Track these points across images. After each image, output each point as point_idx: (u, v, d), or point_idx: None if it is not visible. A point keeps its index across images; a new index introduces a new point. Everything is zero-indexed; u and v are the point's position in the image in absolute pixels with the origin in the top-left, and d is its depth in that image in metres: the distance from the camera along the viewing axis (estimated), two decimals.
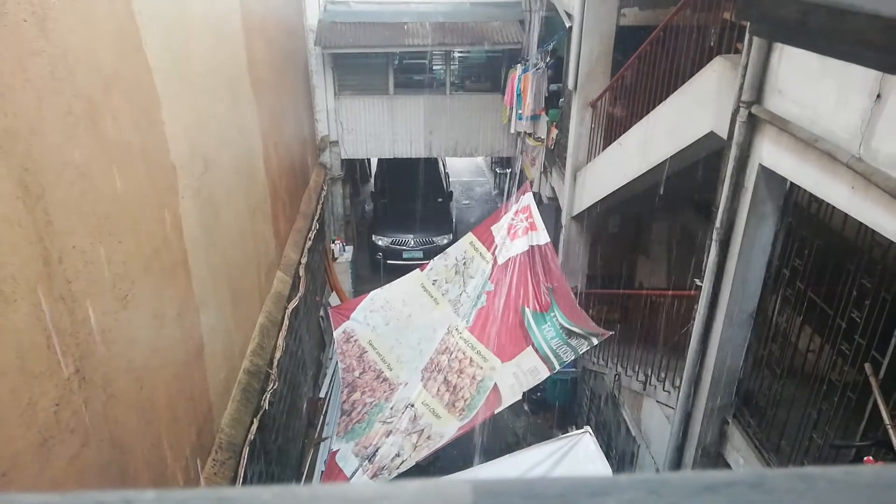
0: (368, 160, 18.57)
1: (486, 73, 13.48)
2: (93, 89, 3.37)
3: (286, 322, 7.19)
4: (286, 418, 7.22)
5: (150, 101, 4.13)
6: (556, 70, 10.50)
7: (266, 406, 6.06)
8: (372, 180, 18.24)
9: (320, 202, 11.06)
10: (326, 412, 8.79)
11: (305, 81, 11.76)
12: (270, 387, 6.24)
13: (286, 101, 9.30)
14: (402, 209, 14.87)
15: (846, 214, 3.64)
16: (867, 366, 3.78)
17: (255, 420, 5.67)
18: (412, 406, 7.05)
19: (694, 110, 5.70)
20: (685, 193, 7.78)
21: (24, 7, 2.78)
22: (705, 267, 5.11)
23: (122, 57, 3.73)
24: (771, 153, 4.27)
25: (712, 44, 5.63)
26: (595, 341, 6.91)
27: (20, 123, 2.75)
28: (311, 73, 12.15)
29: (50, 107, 2.97)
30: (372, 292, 8.19)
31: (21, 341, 2.70)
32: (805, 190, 4.06)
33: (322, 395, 9.36)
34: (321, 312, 10.52)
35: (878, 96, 3.27)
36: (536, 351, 6.93)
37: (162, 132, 4.27)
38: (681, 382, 5.67)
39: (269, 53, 8.04)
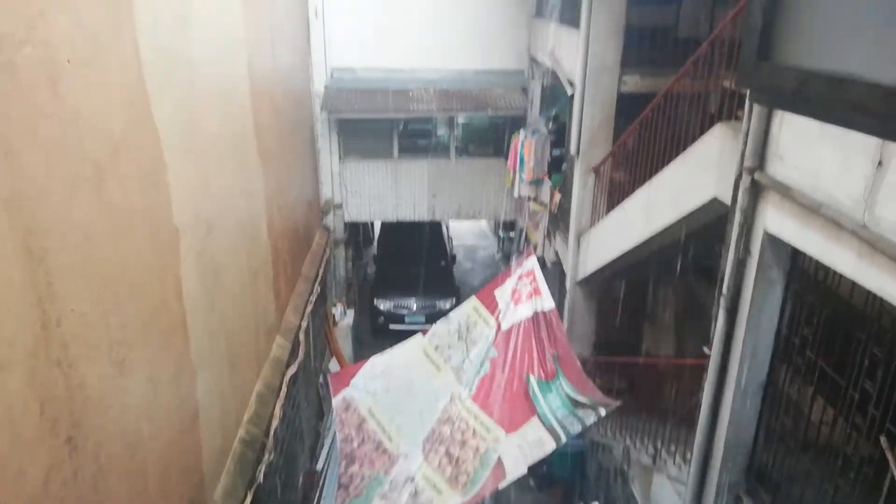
0: (372, 223, 18.70)
1: (490, 139, 13.70)
2: (101, 153, 3.40)
3: (284, 389, 7.05)
4: (282, 492, 6.98)
5: (157, 165, 4.16)
6: (559, 135, 10.67)
7: (261, 479, 5.85)
8: (375, 243, 18.30)
9: (322, 265, 11.06)
10: (323, 486, 8.51)
11: (311, 145, 11.97)
12: (266, 458, 6.05)
13: (291, 165, 9.42)
14: (404, 272, 14.83)
15: (854, 282, 3.59)
16: (883, 439, 3.65)
17: (248, 493, 5.47)
18: (412, 480, 6.80)
19: (696, 176, 5.74)
20: (691, 259, 7.75)
21: (37, 70, 2.83)
22: (713, 335, 5.02)
23: (131, 122, 3.79)
24: (775, 219, 4.26)
25: (713, 111, 5.71)
26: (603, 412, 6.73)
27: (28, 185, 2.75)
28: (317, 137, 12.38)
29: (58, 169, 2.99)
30: (372, 358, 8.06)
31: (13, 407, 2.62)
32: (811, 257, 4.02)
33: (319, 467, 9.08)
34: (320, 380, 10.35)
35: (880, 163, 3.28)
36: (542, 421, 6.74)
37: (167, 195, 4.29)
38: (692, 456, 5.48)
39: (275, 118, 8.20)
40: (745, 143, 4.41)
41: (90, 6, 3.33)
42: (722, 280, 4.86)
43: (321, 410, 10.21)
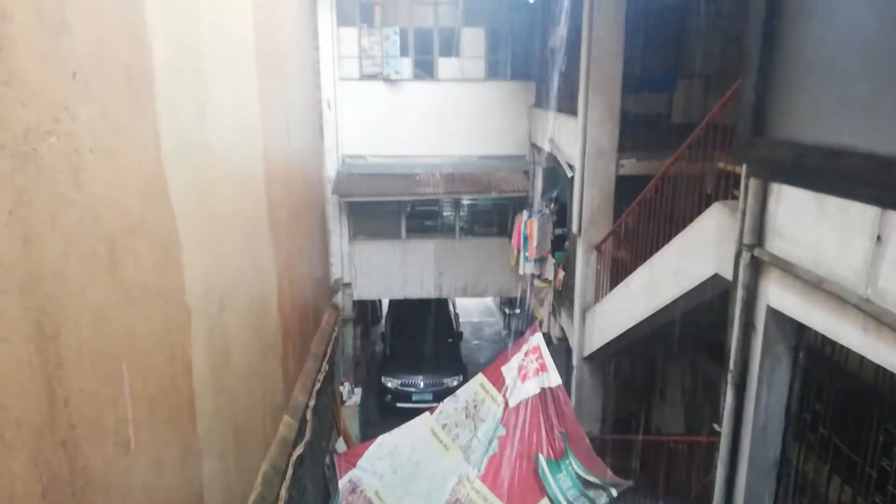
0: (380, 301, 18.76)
1: (494, 219, 13.99)
2: (117, 233, 3.51)
3: (290, 471, 6.90)
4: None
5: (172, 244, 4.28)
6: (561, 215, 10.87)
7: None
8: (383, 321, 18.30)
9: (331, 343, 11.04)
10: None
11: (322, 227, 12.21)
12: None
13: (302, 245, 9.59)
14: (411, 350, 14.79)
15: (862, 356, 3.58)
16: None
17: None
18: None
19: (696, 253, 5.82)
20: (698, 334, 7.72)
21: (61, 159, 2.98)
22: (723, 411, 4.95)
23: (148, 203, 3.93)
24: (777, 295, 4.29)
25: (710, 191, 5.86)
26: (614, 493, 6.53)
27: (44, 267, 2.83)
28: (328, 219, 12.67)
29: (75, 251, 3.08)
30: (379, 437, 7.92)
31: (15, 489, 2.60)
32: (817, 331, 4.03)
33: None
34: (326, 460, 10.12)
35: (879, 238, 3.34)
36: (552, 502, 6.55)
37: (180, 274, 4.38)
38: None
39: (288, 200, 8.42)
40: (743, 221, 4.50)
41: (114, 98, 3.53)
42: (729, 355, 4.84)
43: (327, 492, 9.92)
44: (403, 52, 12.67)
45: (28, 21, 2.78)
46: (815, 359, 4.36)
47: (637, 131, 8.81)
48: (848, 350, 3.81)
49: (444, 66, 12.88)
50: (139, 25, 3.89)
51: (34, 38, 2.82)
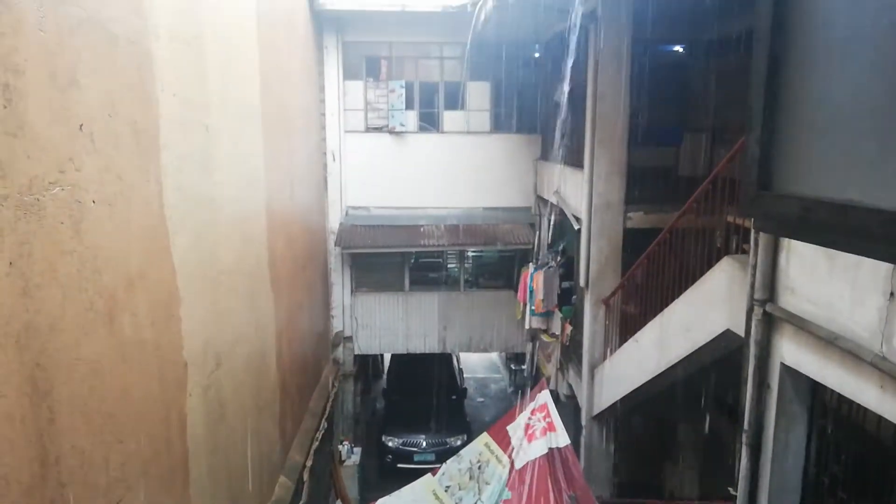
0: (381, 356, 18.51)
1: (499, 271, 13.89)
2: (116, 287, 3.46)
3: None
4: None
5: (171, 299, 4.22)
6: (568, 268, 10.81)
7: None
8: (384, 376, 18.01)
9: (330, 400, 10.83)
10: None
11: (324, 279, 12.16)
12: None
13: (303, 298, 9.52)
14: (414, 407, 14.41)
15: (880, 415, 3.45)
16: None
17: None
18: None
19: (707, 308, 5.72)
20: (711, 392, 7.54)
21: (62, 209, 2.96)
22: (738, 474, 4.77)
23: (148, 257, 3.89)
24: (791, 351, 4.18)
25: (719, 245, 5.81)
26: None
27: (41, 319, 2.78)
28: (330, 271, 12.62)
29: (72, 304, 3.03)
30: (379, 500, 7.66)
31: None
32: (833, 389, 3.90)
33: None
34: None
35: (892, 294, 3.27)
36: None
37: (178, 329, 4.31)
38: None
39: (290, 253, 8.40)
40: (754, 276, 4.43)
41: (120, 151, 3.54)
42: (743, 415, 4.69)
43: None
44: (409, 105, 12.87)
45: (40, 76, 2.82)
46: (832, 418, 4.22)
47: (644, 184, 8.82)
48: (866, 409, 3.68)
49: (450, 118, 13.06)
50: (148, 81, 3.94)
51: (45, 92, 2.85)
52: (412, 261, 13.35)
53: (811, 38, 1.36)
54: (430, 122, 13.11)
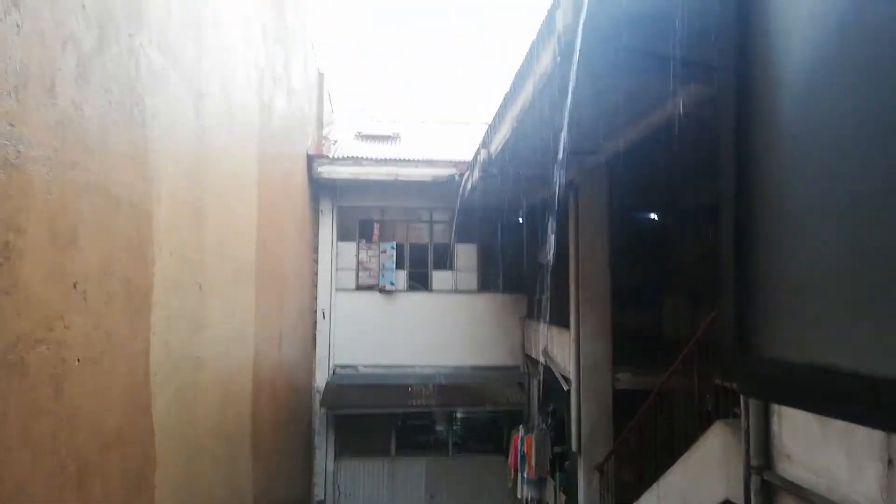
0: None
1: (489, 434, 13.46)
2: (90, 449, 3.32)
3: None
4: None
5: (146, 463, 4.03)
6: (559, 431, 10.48)
7: None
8: None
9: None
10: None
11: (306, 442, 11.68)
12: None
13: (284, 462, 9.08)
14: None
15: None
16: None
17: None
18: None
19: (704, 476, 5.50)
20: None
21: (45, 368, 2.92)
22: None
23: (128, 419, 3.77)
24: None
25: (709, 408, 5.72)
26: None
27: (7, 484, 2.64)
28: (314, 433, 12.16)
29: (42, 466, 2.89)
30: None
31: None
32: None
33: None
34: None
35: (890, 462, 3.18)
36: None
37: (151, 496, 4.07)
38: None
39: (274, 414, 8.15)
40: (748, 442, 4.33)
41: (111, 310, 3.57)
42: None
43: None
44: (399, 265, 13.22)
45: (41, 236, 2.91)
46: None
47: (631, 345, 8.85)
48: None
49: (438, 278, 13.36)
50: (146, 241, 4.07)
51: (43, 251, 2.92)
52: (399, 423, 12.95)
53: (774, 206, 1.44)
54: (419, 281, 13.39)
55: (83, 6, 3.21)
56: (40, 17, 2.84)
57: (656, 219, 11.87)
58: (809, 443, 3.89)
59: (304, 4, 10.43)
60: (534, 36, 5.21)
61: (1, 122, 2.57)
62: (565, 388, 9.20)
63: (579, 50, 4.10)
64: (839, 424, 3.64)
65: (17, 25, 2.67)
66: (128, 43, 3.74)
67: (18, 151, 2.69)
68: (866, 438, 3.35)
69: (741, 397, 4.54)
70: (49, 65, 2.92)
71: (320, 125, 13.28)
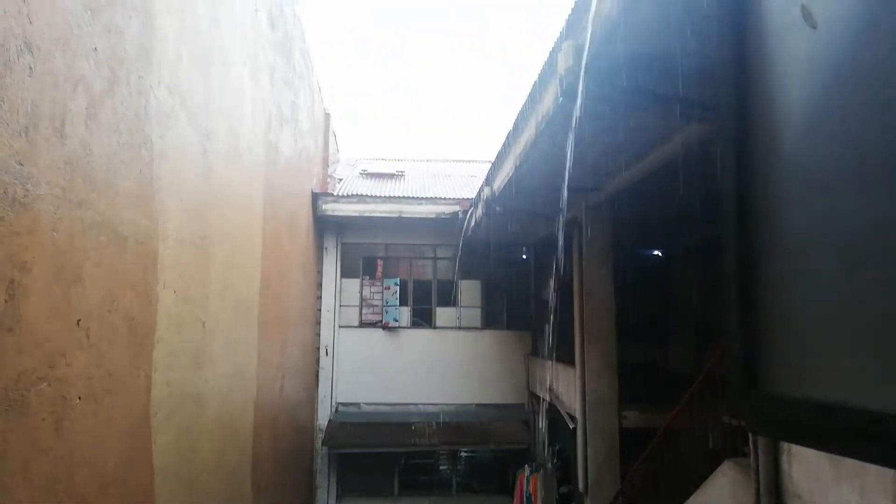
0: None
1: (493, 473, 13.24)
2: (89, 489, 3.28)
3: None
4: None
5: (146, 502, 3.96)
6: (565, 470, 10.31)
7: None
8: None
9: None
10: None
11: (308, 481, 11.50)
12: None
13: (285, 502, 8.92)
14: None
15: None
16: None
17: None
18: None
19: None
20: None
21: (46, 406, 2.90)
22: None
23: (127, 457, 3.73)
24: None
25: (719, 446, 5.63)
26: None
27: None
28: (316, 472, 11.98)
29: None
30: None
31: None
32: None
33: None
34: None
35: None
36: None
37: None
38: None
39: (275, 452, 8.04)
40: (758, 481, 4.25)
41: (113, 347, 3.56)
42: None
43: None
44: (403, 302, 13.19)
45: (46, 273, 2.92)
46: None
47: (637, 382, 8.76)
48: None
49: (442, 315, 13.30)
50: (151, 279, 4.08)
51: (48, 288, 2.93)
52: (402, 462, 12.77)
53: (777, 243, 1.45)
54: (423, 317, 13.34)
55: (95, 49, 3.29)
56: (52, 59, 2.91)
57: (661, 254, 11.88)
58: (820, 482, 3.82)
59: (311, 49, 10.65)
60: (535, 77, 5.30)
61: (10, 161, 2.61)
62: (571, 426, 9.08)
63: (581, 91, 4.16)
64: (851, 463, 3.58)
65: (30, 68, 2.73)
66: (137, 84, 3.82)
67: (27, 190, 2.73)
68: (877, 477, 3.29)
69: (750, 435, 4.47)
70: (60, 105, 2.98)
71: (325, 164, 13.42)
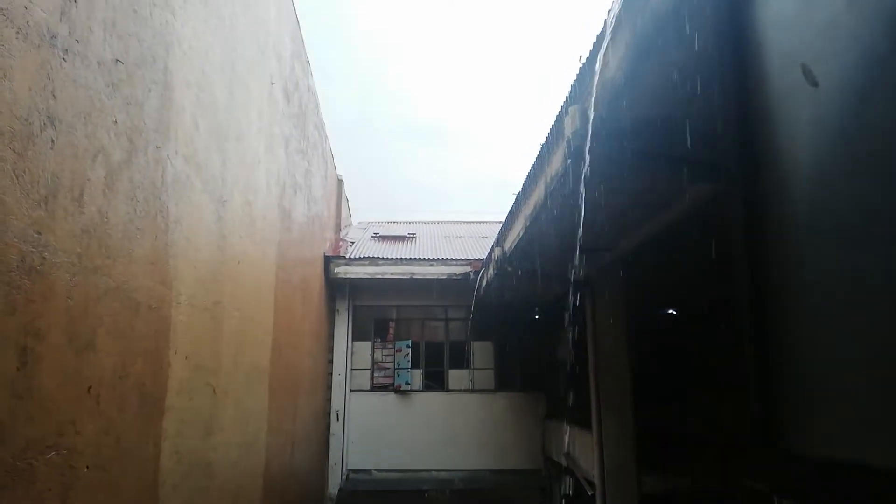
0: None
1: None
2: None
3: None
4: None
5: None
6: None
7: None
8: None
9: None
10: None
11: None
12: None
13: None
14: None
15: None
16: None
17: None
18: None
19: None
20: None
21: (53, 475, 2.86)
22: None
23: None
24: None
25: None
26: None
27: None
28: None
29: None
30: None
31: None
32: None
33: None
34: None
35: None
36: None
37: None
38: None
39: None
40: None
41: (123, 415, 3.52)
42: None
43: None
44: (415, 364, 13.03)
45: (59, 341, 2.93)
46: None
47: (658, 444, 8.51)
48: None
49: (455, 377, 13.11)
50: (163, 345, 4.08)
51: (60, 355, 2.94)
52: None
53: (790, 304, 1.44)
54: (435, 380, 13.16)
55: (115, 121, 3.40)
56: (74, 131, 3.00)
57: (676, 314, 11.74)
58: None
59: (324, 120, 10.96)
60: (543, 140, 5.40)
61: (29, 230, 2.67)
62: (589, 493, 8.78)
63: (588, 153, 4.23)
64: None
65: (52, 140, 2.82)
66: (155, 154, 3.92)
67: (43, 258, 2.77)
68: None
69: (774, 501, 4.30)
70: (79, 176, 3.06)
71: (338, 228, 13.58)
